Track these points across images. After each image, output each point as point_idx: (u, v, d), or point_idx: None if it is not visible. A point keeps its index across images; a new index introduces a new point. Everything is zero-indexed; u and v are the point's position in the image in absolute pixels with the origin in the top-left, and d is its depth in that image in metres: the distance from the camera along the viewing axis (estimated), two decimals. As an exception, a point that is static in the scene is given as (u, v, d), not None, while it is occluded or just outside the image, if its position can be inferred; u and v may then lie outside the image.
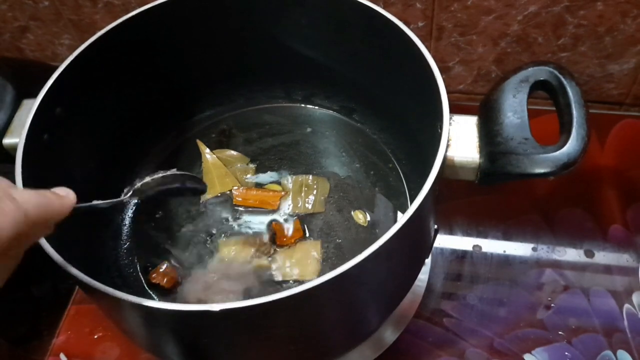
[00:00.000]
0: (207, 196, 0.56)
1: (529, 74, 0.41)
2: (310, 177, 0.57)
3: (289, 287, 0.34)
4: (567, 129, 0.38)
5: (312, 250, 0.52)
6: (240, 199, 0.56)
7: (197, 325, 0.36)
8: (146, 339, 0.43)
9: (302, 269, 0.51)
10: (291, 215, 0.55)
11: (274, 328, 0.37)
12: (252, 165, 0.59)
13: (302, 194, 0.55)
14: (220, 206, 0.56)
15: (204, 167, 0.59)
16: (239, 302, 0.32)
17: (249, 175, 0.58)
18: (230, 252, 0.52)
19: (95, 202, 0.40)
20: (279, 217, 0.55)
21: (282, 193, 0.56)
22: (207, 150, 0.59)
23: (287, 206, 0.55)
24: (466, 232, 0.60)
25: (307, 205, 0.55)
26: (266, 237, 0.53)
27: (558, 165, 0.38)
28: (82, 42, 0.48)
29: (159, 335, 0.40)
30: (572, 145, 0.38)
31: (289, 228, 0.53)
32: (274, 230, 0.53)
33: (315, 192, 0.56)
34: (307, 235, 0.53)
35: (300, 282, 0.49)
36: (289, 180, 0.57)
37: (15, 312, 0.60)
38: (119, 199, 0.44)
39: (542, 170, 0.38)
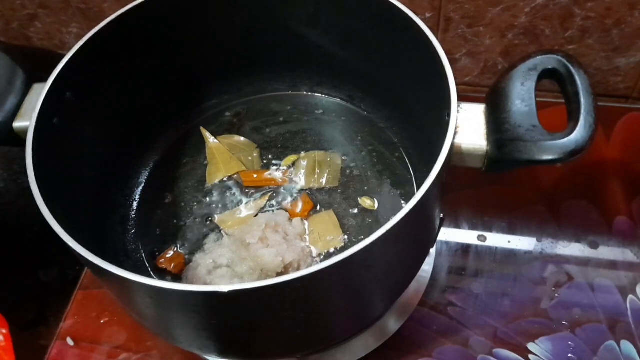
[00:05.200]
0: (213, 180, 0.57)
1: (537, 62, 0.41)
2: (322, 152, 0.58)
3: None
4: (575, 116, 0.38)
5: (327, 218, 0.53)
6: (247, 181, 0.56)
7: (206, 307, 0.36)
8: (154, 321, 0.44)
9: (324, 237, 0.51)
10: (299, 192, 0.55)
11: (281, 311, 0.37)
12: (258, 151, 0.59)
13: (317, 169, 0.56)
14: (227, 190, 0.57)
15: (208, 152, 0.59)
16: (247, 284, 0.33)
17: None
18: (238, 235, 0.52)
19: None
20: (287, 194, 0.55)
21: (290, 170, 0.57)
22: (211, 136, 0.60)
23: (298, 182, 0.56)
24: (471, 223, 0.60)
25: (321, 180, 0.56)
26: (280, 217, 0.53)
27: (566, 152, 0.38)
28: (90, 31, 0.48)
29: (168, 317, 0.41)
30: (580, 133, 0.38)
31: (298, 203, 0.54)
32: (285, 208, 0.54)
33: (328, 168, 0.56)
34: (318, 207, 0.54)
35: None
36: (301, 156, 0.58)
37: (23, 296, 0.61)
38: None
39: (549, 157, 0.38)
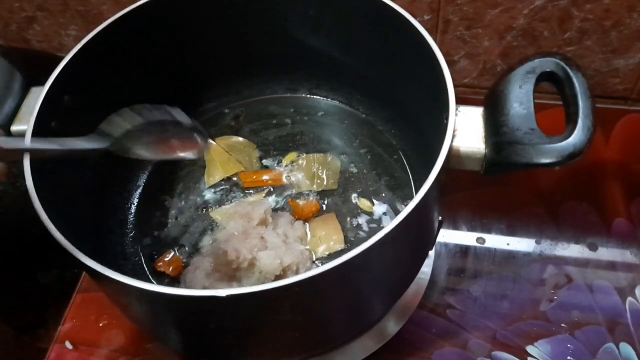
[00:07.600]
0: (211, 182, 0.57)
1: (536, 65, 0.41)
2: (321, 155, 0.58)
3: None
4: (573, 119, 0.38)
5: (329, 221, 0.53)
6: (247, 181, 0.56)
7: (204, 311, 0.36)
8: (153, 325, 0.44)
9: (328, 240, 0.52)
10: (298, 194, 0.56)
11: (280, 314, 0.37)
12: (257, 152, 0.59)
13: (316, 172, 0.56)
14: (227, 191, 0.57)
15: (206, 154, 0.59)
16: (245, 288, 0.33)
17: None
18: (236, 236, 0.52)
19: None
20: (286, 196, 0.56)
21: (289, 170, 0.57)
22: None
23: (298, 183, 0.56)
24: (470, 225, 0.60)
25: (320, 182, 0.56)
26: (282, 218, 0.53)
27: (564, 155, 0.38)
28: (89, 33, 0.48)
29: (166, 321, 0.41)
30: (578, 136, 0.38)
31: (306, 203, 0.54)
32: (291, 206, 0.54)
33: (327, 170, 0.57)
34: (324, 209, 0.55)
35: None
36: (301, 157, 0.58)
37: (22, 299, 0.61)
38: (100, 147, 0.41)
39: (547, 160, 0.38)
